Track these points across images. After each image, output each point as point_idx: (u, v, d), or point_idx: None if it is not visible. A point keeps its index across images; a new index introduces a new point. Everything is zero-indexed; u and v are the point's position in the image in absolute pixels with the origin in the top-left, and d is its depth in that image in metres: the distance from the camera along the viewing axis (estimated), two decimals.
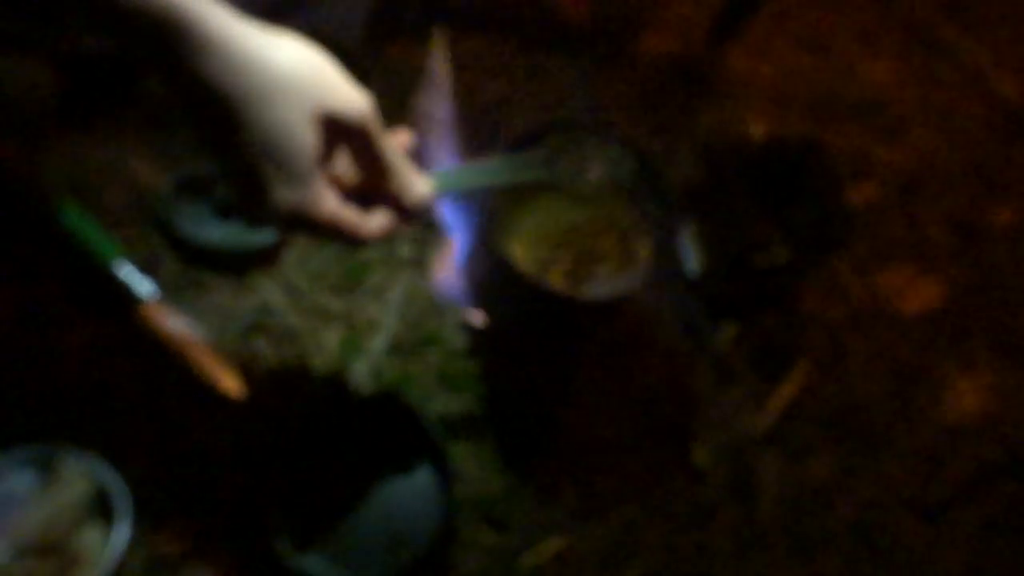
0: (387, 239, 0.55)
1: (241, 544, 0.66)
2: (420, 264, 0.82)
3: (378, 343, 0.77)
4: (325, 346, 0.76)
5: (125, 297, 0.73)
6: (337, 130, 0.47)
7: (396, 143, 0.53)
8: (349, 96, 0.47)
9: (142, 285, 0.73)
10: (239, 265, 0.78)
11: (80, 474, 0.64)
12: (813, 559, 0.74)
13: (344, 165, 0.52)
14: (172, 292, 0.75)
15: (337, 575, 0.65)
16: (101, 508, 0.64)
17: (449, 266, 0.80)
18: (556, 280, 0.73)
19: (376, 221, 0.51)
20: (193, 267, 0.78)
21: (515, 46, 1.01)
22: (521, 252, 0.73)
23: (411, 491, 0.69)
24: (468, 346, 0.78)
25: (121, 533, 0.63)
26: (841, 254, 0.91)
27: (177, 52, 0.42)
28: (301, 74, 0.45)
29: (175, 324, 0.73)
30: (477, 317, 0.78)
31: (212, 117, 0.44)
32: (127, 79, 0.84)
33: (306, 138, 0.45)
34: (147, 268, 0.75)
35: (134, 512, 0.64)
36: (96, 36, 0.43)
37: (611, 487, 0.74)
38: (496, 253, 0.70)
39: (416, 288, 0.80)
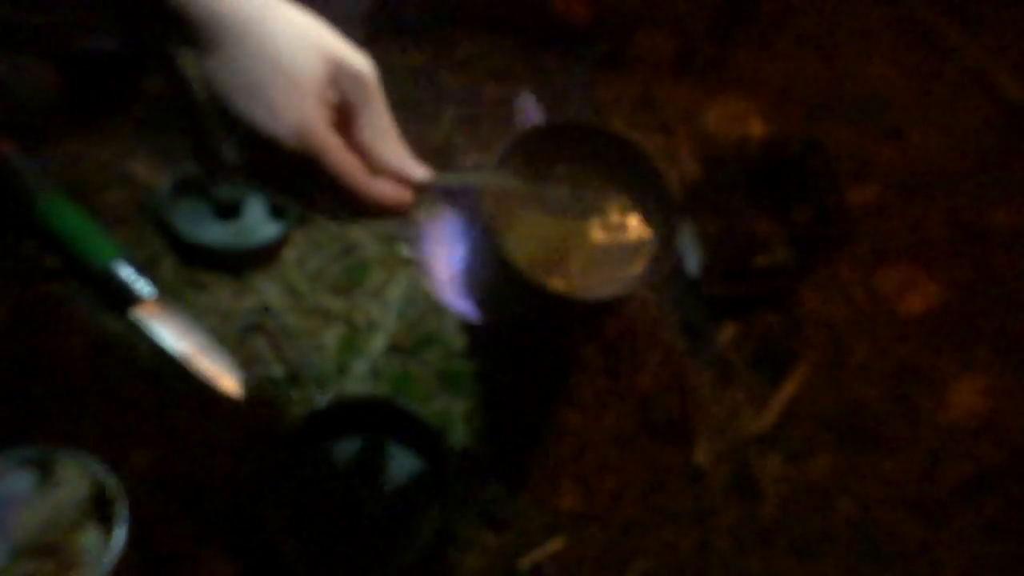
0: (394, 216, 0.51)
1: (241, 544, 0.66)
2: (420, 264, 0.81)
3: (378, 343, 0.77)
4: (325, 346, 0.76)
5: (125, 297, 0.73)
6: (342, 82, 0.46)
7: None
8: (355, 51, 0.47)
9: (141, 285, 0.73)
10: (238, 265, 0.78)
11: (78, 475, 0.64)
12: (813, 559, 0.74)
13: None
14: (171, 292, 0.75)
15: (337, 575, 0.65)
16: (100, 509, 0.64)
17: (448, 267, 0.80)
18: (556, 280, 0.72)
19: (385, 186, 0.48)
20: (192, 267, 0.78)
21: (515, 46, 1.01)
22: (521, 252, 0.73)
23: (411, 491, 0.69)
24: (468, 346, 0.78)
25: (120, 534, 0.63)
26: (841, 254, 0.91)
27: None
28: (307, 24, 0.46)
29: (174, 324, 0.73)
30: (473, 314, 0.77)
31: (213, 36, 0.44)
32: (127, 79, 0.84)
33: (311, 62, 0.45)
34: (147, 268, 0.75)
35: (133, 513, 0.64)
36: None
37: (611, 487, 0.74)
38: (496, 253, 0.70)
39: (416, 288, 0.80)
